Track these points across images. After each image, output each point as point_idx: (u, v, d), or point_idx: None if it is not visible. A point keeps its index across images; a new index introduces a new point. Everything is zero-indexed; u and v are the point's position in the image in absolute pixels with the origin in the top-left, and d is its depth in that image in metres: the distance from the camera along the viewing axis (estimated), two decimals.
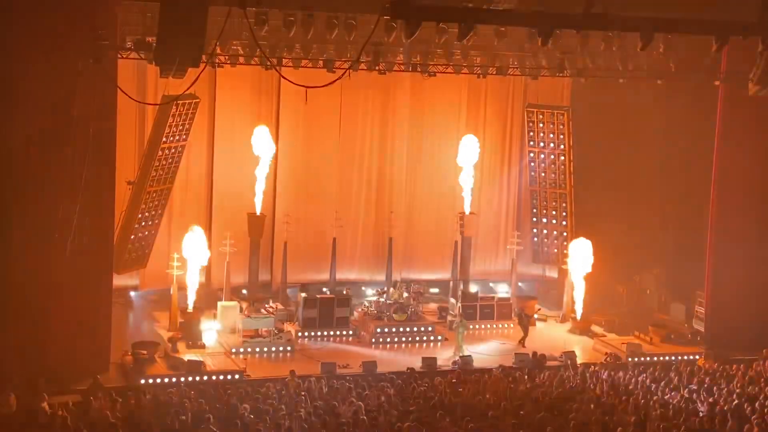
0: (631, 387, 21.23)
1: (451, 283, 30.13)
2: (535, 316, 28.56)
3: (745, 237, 26.15)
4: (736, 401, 19.77)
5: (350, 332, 26.83)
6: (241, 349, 24.66)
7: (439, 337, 27.02)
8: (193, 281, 26.50)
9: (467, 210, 30.08)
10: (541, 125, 31.05)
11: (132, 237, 26.57)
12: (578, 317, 28.42)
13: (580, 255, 28.53)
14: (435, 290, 30.82)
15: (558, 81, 29.92)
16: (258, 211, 28.09)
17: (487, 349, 26.24)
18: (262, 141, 28.08)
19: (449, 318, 27.84)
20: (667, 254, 29.93)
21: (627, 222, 30.18)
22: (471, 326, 27.20)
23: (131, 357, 22.82)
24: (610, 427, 17.77)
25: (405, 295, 27.65)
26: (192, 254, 26.42)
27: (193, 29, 15.78)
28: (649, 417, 18.54)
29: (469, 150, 29.95)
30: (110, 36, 21.09)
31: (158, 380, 21.95)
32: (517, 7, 19.54)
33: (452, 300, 29.18)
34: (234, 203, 28.72)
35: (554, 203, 31.21)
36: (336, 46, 23.82)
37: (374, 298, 27.91)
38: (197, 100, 26.58)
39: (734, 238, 26.22)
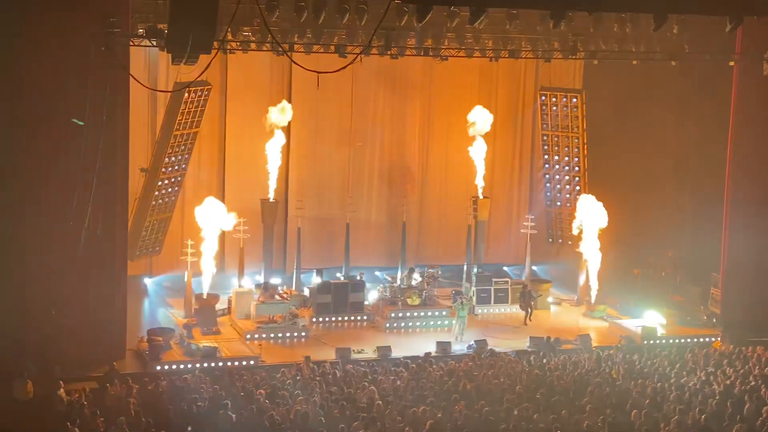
0: (646, 370, 21.18)
1: (465, 267, 30.08)
2: (546, 297, 28.64)
3: (761, 219, 25.99)
4: (752, 383, 19.70)
5: (364, 317, 26.88)
6: (256, 335, 24.75)
7: (454, 322, 26.97)
8: (209, 259, 26.39)
9: (480, 194, 30.01)
10: (554, 108, 30.88)
11: (146, 224, 26.62)
12: (593, 300, 28.42)
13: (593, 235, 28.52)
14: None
15: (570, 64, 29.74)
16: (271, 197, 28.02)
17: (502, 333, 26.23)
18: (282, 113, 27.81)
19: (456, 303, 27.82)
20: (683, 237, 29.78)
21: (641, 205, 30.02)
22: (479, 311, 27.33)
23: (147, 344, 22.91)
24: (625, 411, 17.75)
25: (418, 279, 27.63)
26: (208, 223, 26.31)
27: (204, 16, 15.71)
28: (665, 400, 18.51)
29: (480, 119, 29.72)
30: (122, 23, 21.07)
31: (174, 366, 22.05)
32: None
33: (466, 284, 29.16)
34: (247, 190, 28.71)
35: (568, 186, 31.07)
36: (347, 31, 23.75)
37: (388, 284, 27.84)
38: (209, 87, 26.57)
39: (750, 220, 26.07)
